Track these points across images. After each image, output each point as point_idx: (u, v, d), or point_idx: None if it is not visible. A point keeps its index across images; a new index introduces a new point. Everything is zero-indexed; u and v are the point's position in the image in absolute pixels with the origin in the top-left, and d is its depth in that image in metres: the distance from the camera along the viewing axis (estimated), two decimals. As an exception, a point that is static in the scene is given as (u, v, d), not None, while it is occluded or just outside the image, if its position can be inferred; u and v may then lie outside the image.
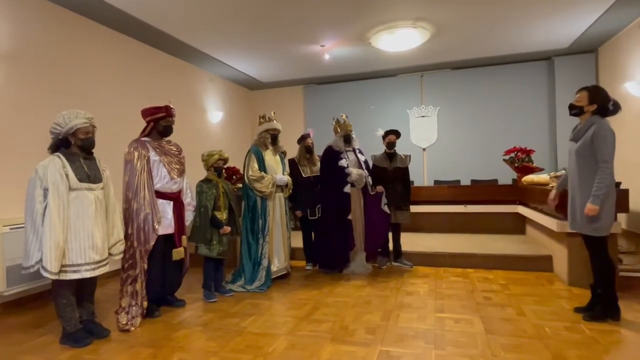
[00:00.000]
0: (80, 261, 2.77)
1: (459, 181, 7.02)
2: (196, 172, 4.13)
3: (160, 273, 3.47)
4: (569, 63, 6.84)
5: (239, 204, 4.20)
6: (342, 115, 4.85)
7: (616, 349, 2.62)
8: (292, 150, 5.04)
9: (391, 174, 4.79)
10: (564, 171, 3.87)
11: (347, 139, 4.71)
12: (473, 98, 7.56)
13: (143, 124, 3.48)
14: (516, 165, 5.85)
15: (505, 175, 6.59)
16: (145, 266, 3.26)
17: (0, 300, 3.62)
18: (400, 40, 5.67)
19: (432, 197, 6.35)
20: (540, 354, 2.52)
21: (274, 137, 4.42)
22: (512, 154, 5.89)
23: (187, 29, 5.31)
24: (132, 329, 3.10)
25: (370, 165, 4.89)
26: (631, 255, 4.42)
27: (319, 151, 4.97)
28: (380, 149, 4.97)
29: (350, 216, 4.53)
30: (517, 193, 5.85)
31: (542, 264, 4.52)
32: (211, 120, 7.38)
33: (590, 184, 2.94)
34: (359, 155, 4.82)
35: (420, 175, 7.78)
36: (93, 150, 3.01)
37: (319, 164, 4.85)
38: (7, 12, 3.89)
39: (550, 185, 4.20)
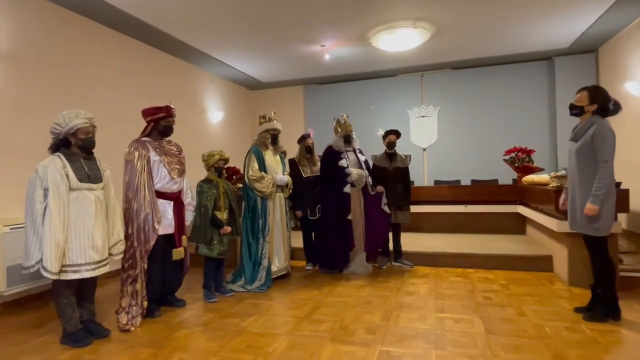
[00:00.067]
0: (81, 261, 2.77)
1: (459, 181, 7.03)
2: (196, 172, 4.13)
3: (161, 273, 3.47)
4: (569, 63, 6.84)
5: (239, 204, 4.20)
6: (342, 115, 4.85)
7: (616, 349, 2.62)
8: (292, 150, 5.04)
9: (391, 174, 4.79)
10: (564, 171, 3.88)
11: (347, 139, 4.71)
12: (473, 98, 7.56)
13: (143, 124, 3.48)
14: (516, 165, 5.85)
15: (506, 175, 6.59)
16: (146, 266, 3.26)
17: (1, 300, 3.62)
18: (401, 40, 5.67)
19: (432, 197, 6.35)
20: (540, 354, 2.52)
21: (274, 137, 4.42)
22: (513, 154, 5.89)
23: (187, 29, 5.31)
24: (133, 329, 3.10)
25: (371, 165, 4.89)
26: (631, 255, 4.42)
27: (319, 151, 4.97)
28: (381, 149, 4.96)
29: (350, 216, 4.53)
30: (518, 193, 5.85)
31: (542, 264, 4.52)
32: (211, 120, 7.38)
33: (590, 184, 2.94)
34: (359, 155, 4.82)
35: (421, 175, 7.78)
36: (93, 150, 3.01)
37: (319, 164, 4.85)
38: (7, 12, 3.89)
39: (551, 185, 4.20)
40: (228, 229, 3.85)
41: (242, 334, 2.96)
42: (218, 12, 4.81)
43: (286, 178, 4.42)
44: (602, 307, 3.06)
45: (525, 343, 2.68)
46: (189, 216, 3.69)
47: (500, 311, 3.29)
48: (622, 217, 4.93)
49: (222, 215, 3.84)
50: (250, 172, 4.21)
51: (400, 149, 5.00)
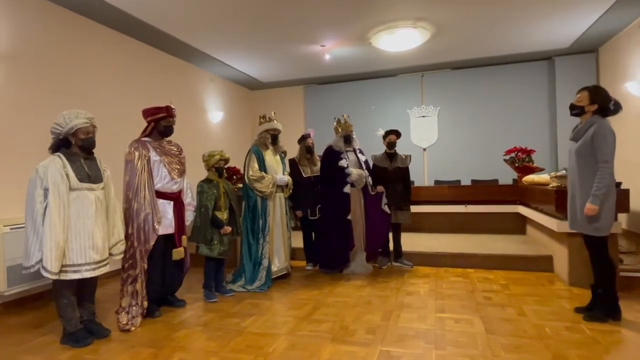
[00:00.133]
0: (81, 261, 2.77)
1: (459, 181, 7.02)
2: (197, 172, 4.13)
3: (161, 273, 3.47)
4: (569, 63, 6.84)
5: (239, 204, 4.20)
6: (343, 115, 4.85)
7: (617, 349, 2.61)
8: (293, 150, 5.04)
9: (391, 174, 4.79)
10: (564, 171, 3.88)
11: (347, 139, 4.71)
12: (473, 98, 7.56)
13: (143, 124, 3.48)
14: (517, 165, 5.85)
15: (506, 175, 6.59)
16: (146, 266, 3.26)
17: (1, 300, 3.62)
18: (401, 40, 5.67)
19: (432, 197, 6.34)
20: (540, 354, 2.52)
21: (274, 137, 4.42)
22: (513, 154, 5.88)
23: (187, 29, 5.31)
24: (133, 328, 3.10)
25: (371, 165, 4.89)
26: (632, 255, 4.42)
27: (319, 151, 4.97)
28: (381, 149, 4.96)
29: (350, 216, 4.53)
30: (518, 193, 5.85)
31: (542, 264, 4.52)
32: (211, 120, 7.38)
33: (590, 184, 2.94)
34: (360, 155, 4.82)
35: (421, 175, 7.78)
36: (94, 150, 3.01)
37: (319, 164, 4.85)
38: (7, 12, 3.89)
39: (551, 185, 4.20)
40: (228, 229, 3.85)
41: (242, 334, 2.96)
42: (218, 12, 4.81)
43: (286, 178, 4.42)
44: (603, 307, 3.05)
45: (526, 343, 2.68)
46: (189, 216, 3.69)
47: (500, 311, 3.29)
48: (622, 217, 4.92)
49: (223, 215, 3.84)
50: (251, 172, 4.21)
51: (401, 149, 5.00)
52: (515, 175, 6.19)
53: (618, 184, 3.45)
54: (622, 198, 3.62)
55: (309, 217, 4.73)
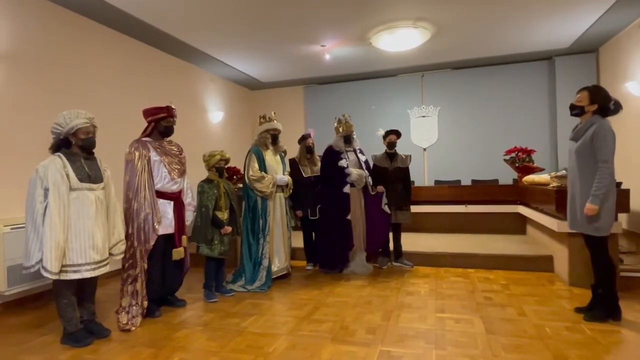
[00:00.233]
0: (81, 261, 2.77)
1: (459, 181, 7.02)
2: (197, 172, 4.13)
3: (161, 273, 3.47)
4: (569, 63, 6.83)
5: (240, 204, 4.20)
6: (343, 115, 4.84)
7: (617, 349, 2.61)
8: (293, 150, 5.04)
9: (392, 174, 4.78)
10: (564, 171, 3.88)
11: (348, 140, 4.71)
12: (474, 98, 7.56)
13: (144, 124, 3.48)
14: (517, 165, 5.85)
15: (506, 175, 6.58)
16: (146, 266, 3.26)
17: (1, 300, 3.62)
18: (401, 40, 5.66)
19: (432, 197, 6.34)
20: (541, 354, 2.52)
21: (274, 137, 4.42)
22: (513, 154, 5.88)
23: (187, 29, 5.31)
24: (133, 328, 3.10)
25: (371, 165, 4.88)
26: (632, 255, 4.42)
27: (319, 151, 4.97)
28: (381, 149, 4.96)
29: (349, 216, 4.53)
30: (518, 193, 5.84)
31: (542, 264, 4.52)
32: (212, 120, 7.38)
33: (590, 184, 2.94)
34: (360, 155, 4.82)
35: (421, 175, 7.78)
36: (94, 150, 3.01)
37: (319, 163, 4.85)
38: (7, 12, 3.89)
39: (551, 185, 4.20)
40: (229, 229, 3.85)
41: (243, 334, 2.96)
42: (218, 12, 4.81)
43: (286, 178, 4.42)
44: (603, 307, 3.05)
45: (526, 343, 2.68)
46: (189, 216, 3.69)
47: (500, 311, 3.29)
48: (622, 217, 4.92)
49: (223, 215, 3.84)
50: (251, 172, 4.21)
51: (401, 149, 5.00)
52: (515, 175, 6.19)
53: (618, 184, 3.45)
54: (622, 198, 3.62)
55: (309, 217, 4.73)
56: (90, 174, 2.89)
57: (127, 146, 3.38)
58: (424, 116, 7.87)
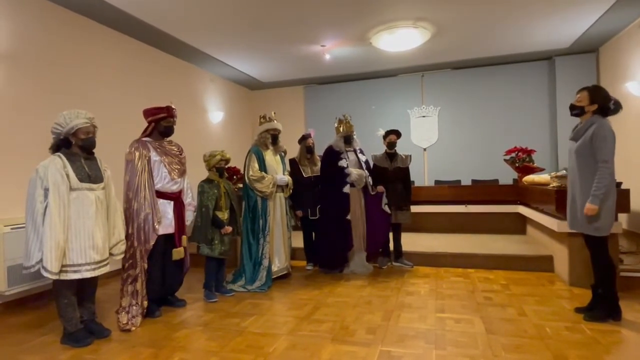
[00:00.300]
0: (81, 261, 2.77)
1: (459, 181, 7.02)
2: (197, 172, 4.13)
3: (161, 273, 3.47)
4: (569, 63, 6.83)
5: (240, 204, 4.20)
6: (344, 115, 4.84)
7: (617, 349, 2.61)
8: (293, 150, 5.04)
9: (392, 174, 4.78)
10: (564, 171, 3.88)
11: (348, 140, 4.71)
12: (474, 98, 7.56)
13: (144, 124, 3.48)
14: (517, 165, 5.84)
15: (506, 175, 6.58)
16: (146, 266, 3.26)
17: (2, 300, 3.62)
18: (401, 40, 5.66)
19: (432, 197, 6.34)
20: (541, 354, 2.52)
21: (274, 137, 4.42)
22: (513, 154, 5.88)
23: (187, 29, 5.31)
24: (133, 328, 3.10)
25: (371, 165, 4.88)
26: (632, 256, 4.42)
27: (319, 151, 4.97)
28: (381, 149, 4.96)
29: (349, 216, 4.53)
30: (518, 193, 5.84)
31: (542, 264, 4.52)
32: (212, 120, 7.38)
33: (590, 184, 2.94)
34: (360, 155, 4.82)
35: (421, 175, 7.78)
36: (94, 150, 3.01)
37: (319, 163, 4.85)
38: (7, 12, 3.89)
39: (551, 185, 4.20)
40: (229, 228, 3.85)
41: (243, 334, 2.96)
42: (218, 12, 4.81)
43: (286, 178, 4.42)
44: (603, 307, 3.05)
45: (526, 343, 2.68)
46: (189, 216, 3.69)
47: (500, 311, 3.29)
48: (622, 217, 4.92)
49: (223, 215, 3.84)
50: (251, 172, 4.21)
51: (401, 149, 5.00)
52: (515, 175, 6.19)
53: (618, 184, 3.45)
54: (622, 198, 3.62)
55: (309, 217, 4.73)
56: (91, 174, 2.89)
57: (127, 146, 3.38)
58: (424, 116, 7.87)
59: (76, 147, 2.90)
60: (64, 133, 2.84)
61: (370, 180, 4.71)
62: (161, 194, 3.38)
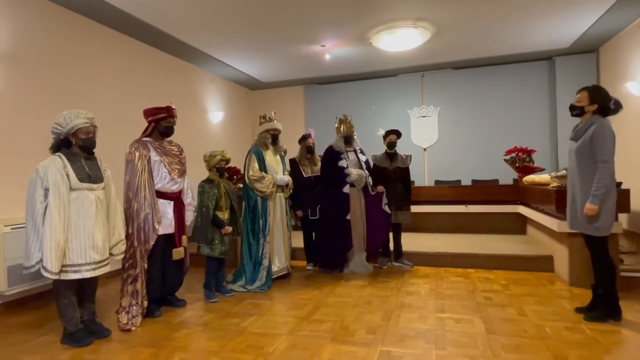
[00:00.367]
0: (81, 261, 2.77)
1: (459, 181, 7.02)
2: (197, 172, 4.13)
3: (161, 273, 3.47)
4: (569, 63, 6.83)
5: (240, 204, 4.20)
6: (345, 115, 4.83)
7: (617, 349, 2.61)
8: (293, 150, 5.04)
9: (392, 174, 4.78)
10: (564, 171, 3.88)
11: (348, 140, 4.71)
12: (474, 98, 7.56)
13: (144, 124, 3.48)
14: (517, 165, 5.84)
15: (506, 175, 6.58)
16: (146, 266, 3.26)
17: (2, 300, 3.62)
18: (401, 40, 5.66)
19: (432, 197, 6.34)
20: (541, 354, 2.52)
21: (274, 137, 4.42)
22: (513, 154, 5.88)
23: (187, 29, 5.31)
24: (133, 328, 3.10)
25: (371, 165, 4.88)
26: (632, 256, 4.42)
27: (319, 151, 4.97)
28: (381, 149, 4.96)
29: (349, 216, 4.53)
30: (518, 193, 5.84)
31: (543, 264, 4.52)
32: (212, 120, 7.38)
33: (590, 184, 2.94)
34: (360, 155, 4.82)
35: (421, 175, 7.78)
36: (94, 150, 3.01)
37: (319, 163, 4.85)
38: (7, 12, 3.89)
39: (551, 185, 4.20)
40: (229, 228, 3.85)
41: (243, 334, 2.96)
42: (218, 12, 4.81)
43: (286, 178, 4.42)
44: (603, 307, 3.05)
45: (526, 343, 2.68)
46: (189, 216, 3.69)
47: (500, 311, 3.29)
48: (622, 217, 4.92)
49: (224, 215, 3.85)
50: (251, 172, 4.21)
51: (401, 149, 5.00)
52: (515, 175, 6.19)
53: (618, 184, 3.45)
54: (623, 198, 3.62)
55: (310, 217, 4.73)
56: (91, 174, 2.89)
57: (127, 146, 3.38)
58: (424, 116, 7.87)
59: (76, 147, 2.90)
60: (64, 133, 2.84)
61: (370, 180, 4.71)
62: (161, 194, 3.38)
